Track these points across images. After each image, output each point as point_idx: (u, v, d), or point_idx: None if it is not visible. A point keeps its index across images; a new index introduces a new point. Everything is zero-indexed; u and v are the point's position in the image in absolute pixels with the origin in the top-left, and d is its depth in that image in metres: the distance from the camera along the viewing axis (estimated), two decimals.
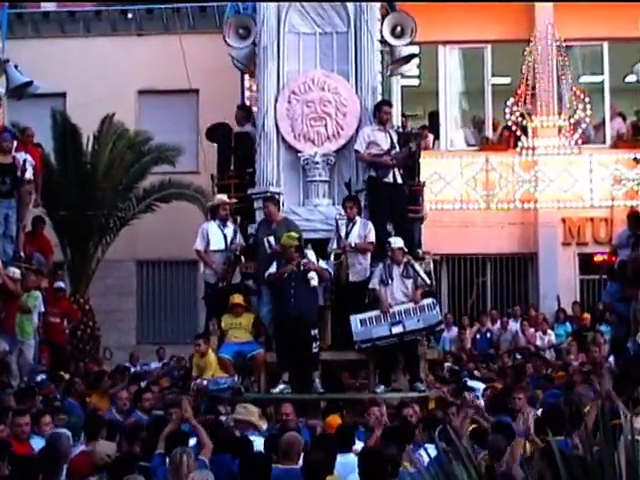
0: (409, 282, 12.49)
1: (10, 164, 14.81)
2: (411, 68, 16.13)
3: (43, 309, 15.06)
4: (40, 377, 13.71)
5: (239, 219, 13.42)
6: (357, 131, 13.55)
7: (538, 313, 20.09)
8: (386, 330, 12.29)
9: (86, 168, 20.25)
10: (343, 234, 12.72)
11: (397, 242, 12.54)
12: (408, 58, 15.13)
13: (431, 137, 21.29)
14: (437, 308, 12.68)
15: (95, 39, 23.64)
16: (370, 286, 12.53)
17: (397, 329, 12.30)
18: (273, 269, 12.43)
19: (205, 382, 12.32)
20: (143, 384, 14.15)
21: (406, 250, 12.56)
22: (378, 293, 12.46)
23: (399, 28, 14.17)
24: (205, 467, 7.45)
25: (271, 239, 12.76)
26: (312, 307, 12.33)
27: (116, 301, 22.43)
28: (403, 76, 16.32)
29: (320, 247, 12.81)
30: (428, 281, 12.74)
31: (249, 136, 14.19)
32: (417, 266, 12.61)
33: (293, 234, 12.47)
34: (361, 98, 13.67)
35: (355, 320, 12.35)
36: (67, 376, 14.61)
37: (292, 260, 12.31)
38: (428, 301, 12.51)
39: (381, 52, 14.10)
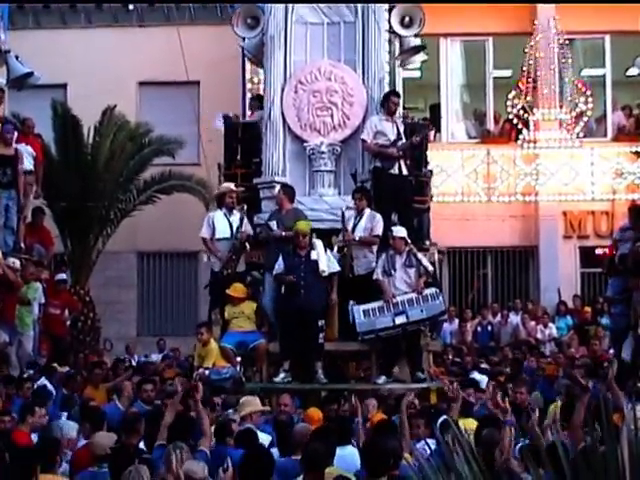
0: (412, 271, 12.37)
1: (12, 156, 14.81)
2: (422, 58, 16.13)
3: (43, 300, 15.08)
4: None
5: (245, 207, 13.39)
6: (363, 121, 13.49)
7: (539, 306, 20.08)
8: (389, 321, 12.19)
9: (87, 159, 20.22)
10: (350, 226, 12.62)
11: (399, 231, 12.43)
12: (418, 49, 15.11)
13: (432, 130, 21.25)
14: (440, 298, 12.55)
15: (96, 30, 23.58)
16: (374, 277, 12.41)
17: (400, 319, 12.20)
18: (280, 266, 12.35)
19: (207, 372, 12.33)
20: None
21: (408, 240, 12.47)
22: (381, 283, 12.35)
23: (408, 18, 14.17)
24: (205, 458, 7.41)
25: (273, 223, 12.74)
26: (321, 298, 12.31)
27: (116, 293, 22.42)
28: (404, 68, 16.29)
29: (325, 237, 12.77)
30: (431, 268, 12.63)
31: (256, 125, 14.13)
32: (420, 255, 12.51)
33: (309, 222, 12.45)
34: (368, 88, 13.64)
35: (358, 311, 12.28)
36: (65, 368, 14.62)
37: (303, 248, 12.27)
38: (431, 291, 12.40)
39: (389, 42, 14.05)
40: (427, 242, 14.05)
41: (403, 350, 12.57)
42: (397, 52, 14.73)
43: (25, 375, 13.16)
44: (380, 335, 12.26)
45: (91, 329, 19.62)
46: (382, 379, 12.22)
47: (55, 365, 14.16)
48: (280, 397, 10.71)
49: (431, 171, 15.74)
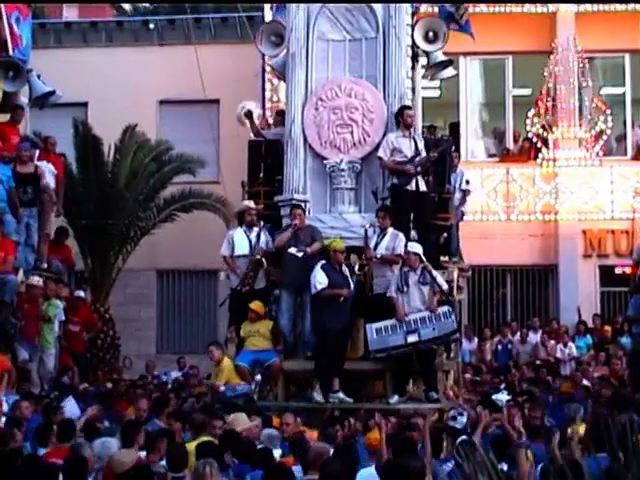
0: (426, 289, 12.30)
1: (32, 173, 14.89)
2: (451, 73, 16.11)
3: (63, 318, 15.14)
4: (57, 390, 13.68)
5: (262, 223, 13.39)
6: (384, 137, 13.34)
7: (559, 325, 19.98)
8: (401, 339, 12.12)
9: (107, 178, 20.29)
10: (372, 244, 12.58)
11: (413, 247, 12.38)
12: (445, 63, 15.08)
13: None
14: (453, 316, 12.41)
15: (117, 49, 23.74)
16: (387, 294, 12.36)
17: (412, 338, 12.13)
18: (323, 279, 12.25)
19: (222, 388, 12.35)
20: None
21: (423, 257, 12.37)
22: (394, 301, 12.28)
23: (431, 33, 14.07)
24: None
25: (293, 250, 12.74)
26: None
27: (136, 310, 22.47)
28: (424, 87, 16.27)
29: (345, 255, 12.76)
30: (445, 287, 12.53)
31: (279, 143, 14.06)
32: (435, 272, 12.42)
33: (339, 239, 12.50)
34: (388, 104, 13.52)
35: (371, 329, 12.22)
36: (84, 385, 14.62)
37: (340, 264, 12.29)
38: (444, 309, 12.30)
39: (413, 58, 13.97)
40: (454, 259, 13.92)
41: (417, 369, 12.53)
42: (424, 68, 14.66)
43: (51, 396, 13.17)
44: (391, 353, 12.22)
45: (111, 347, 19.67)
46: (395, 398, 12.17)
47: (87, 385, 14.21)
48: (283, 416, 10.69)
49: (466, 190, 15.73)
